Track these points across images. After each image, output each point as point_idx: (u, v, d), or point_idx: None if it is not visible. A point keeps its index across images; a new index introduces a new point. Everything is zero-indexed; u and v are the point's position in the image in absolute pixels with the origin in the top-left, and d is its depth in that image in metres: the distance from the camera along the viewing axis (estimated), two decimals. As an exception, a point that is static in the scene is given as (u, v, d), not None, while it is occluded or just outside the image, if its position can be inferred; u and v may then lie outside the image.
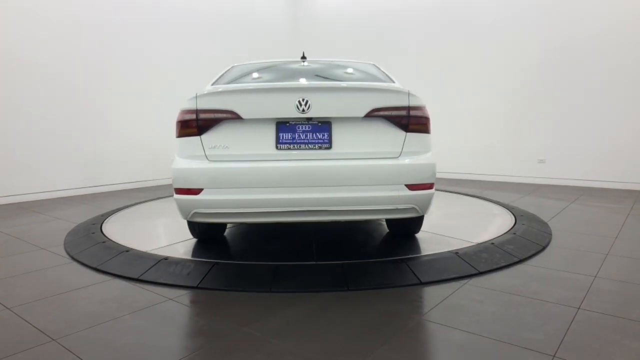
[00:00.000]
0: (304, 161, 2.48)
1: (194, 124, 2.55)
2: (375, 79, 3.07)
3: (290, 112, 2.48)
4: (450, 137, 7.13)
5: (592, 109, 5.97)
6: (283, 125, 2.53)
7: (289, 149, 2.51)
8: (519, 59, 6.48)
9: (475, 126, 6.95)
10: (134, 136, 6.34)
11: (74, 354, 1.70)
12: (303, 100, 2.46)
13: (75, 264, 2.86)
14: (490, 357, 1.64)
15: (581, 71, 6.01)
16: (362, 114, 2.51)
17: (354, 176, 2.47)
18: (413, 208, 2.57)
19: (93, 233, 3.44)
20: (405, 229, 3.24)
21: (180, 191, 2.54)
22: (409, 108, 2.56)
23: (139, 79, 6.38)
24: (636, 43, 5.61)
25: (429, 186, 2.58)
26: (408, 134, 2.56)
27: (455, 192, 5.56)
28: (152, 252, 2.92)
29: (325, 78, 3.18)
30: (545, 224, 3.72)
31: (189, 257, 2.85)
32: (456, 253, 2.78)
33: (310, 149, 2.52)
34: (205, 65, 6.85)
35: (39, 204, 5.10)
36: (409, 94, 2.59)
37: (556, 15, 6.15)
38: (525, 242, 3.09)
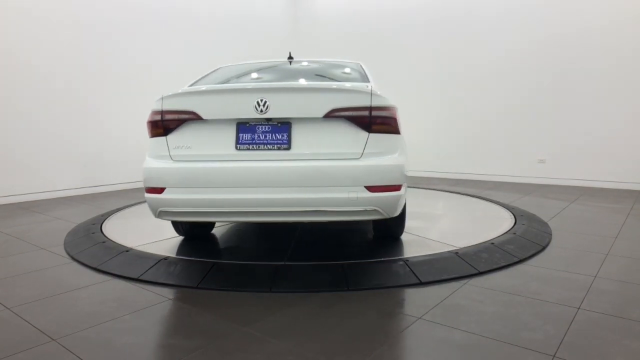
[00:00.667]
0: (262, 162, 2.47)
1: (160, 125, 2.61)
2: (348, 79, 3.03)
3: (249, 112, 2.47)
4: (450, 137, 7.14)
5: (592, 109, 5.97)
6: (243, 126, 2.52)
7: (248, 149, 2.50)
8: (520, 58, 6.48)
9: (475, 126, 6.94)
10: (134, 136, 6.32)
11: (74, 354, 1.70)
12: (261, 100, 2.45)
13: (75, 264, 2.86)
14: (490, 357, 1.64)
15: (582, 71, 6.01)
16: (322, 115, 2.47)
17: (312, 177, 2.43)
18: (376, 210, 2.49)
19: (93, 233, 3.44)
20: (386, 230, 3.20)
21: (147, 190, 2.59)
22: (370, 108, 2.49)
23: (138, 79, 6.37)
24: (637, 42, 5.61)
25: (394, 188, 2.49)
26: (371, 134, 2.49)
27: (455, 192, 5.56)
28: (152, 252, 2.92)
29: (311, 78, 3.17)
30: (545, 224, 3.72)
31: (188, 257, 2.86)
32: (456, 253, 2.78)
33: (269, 149, 2.50)
34: (205, 66, 6.81)
35: (39, 204, 5.10)
36: (371, 93, 2.50)
37: (557, 14, 6.15)
38: (525, 242, 3.09)
